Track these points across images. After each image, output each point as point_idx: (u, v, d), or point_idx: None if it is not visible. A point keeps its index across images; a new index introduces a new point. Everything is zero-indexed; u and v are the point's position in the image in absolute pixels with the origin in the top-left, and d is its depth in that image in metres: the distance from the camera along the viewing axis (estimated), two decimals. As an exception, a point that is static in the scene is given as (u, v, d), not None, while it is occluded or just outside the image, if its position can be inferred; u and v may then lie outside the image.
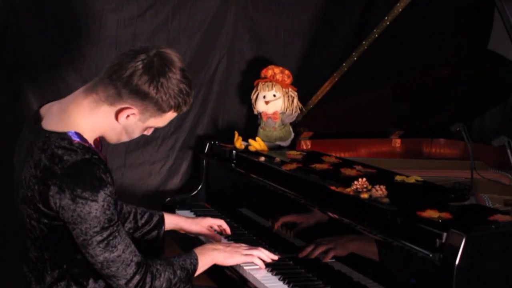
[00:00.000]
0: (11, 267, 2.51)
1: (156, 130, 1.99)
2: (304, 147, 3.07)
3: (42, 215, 1.78)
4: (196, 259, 2.01)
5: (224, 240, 2.43)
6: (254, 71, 3.16)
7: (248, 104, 3.19)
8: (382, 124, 3.29)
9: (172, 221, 2.35)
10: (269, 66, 3.01)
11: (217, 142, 3.05)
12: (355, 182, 2.08)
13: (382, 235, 1.86)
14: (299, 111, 3.00)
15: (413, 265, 1.77)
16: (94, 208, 1.72)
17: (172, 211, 2.80)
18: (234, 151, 2.87)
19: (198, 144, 3.29)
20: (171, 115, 1.86)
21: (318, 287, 2.08)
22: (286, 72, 2.99)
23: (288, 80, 2.98)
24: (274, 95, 2.96)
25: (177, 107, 1.83)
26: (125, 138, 1.91)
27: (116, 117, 1.82)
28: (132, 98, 1.78)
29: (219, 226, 2.43)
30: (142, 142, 3.17)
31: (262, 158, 2.69)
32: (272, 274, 2.13)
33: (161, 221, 2.29)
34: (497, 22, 2.81)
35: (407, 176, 2.26)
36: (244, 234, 2.56)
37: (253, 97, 3.04)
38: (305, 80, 3.22)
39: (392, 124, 3.30)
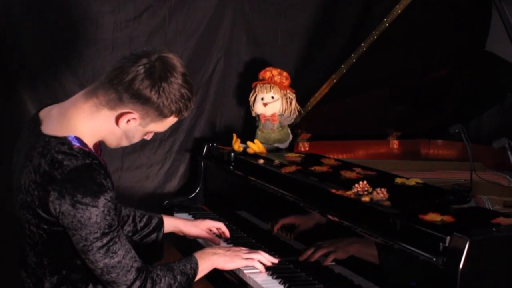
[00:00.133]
0: (11, 272, 2.49)
1: (154, 133, 1.98)
2: (302, 149, 3.05)
3: (42, 220, 1.76)
4: (196, 264, 2.00)
5: (223, 243, 2.42)
6: (252, 73, 3.15)
7: (246, 106, 3.18)
8: (380, 126, 3.28)
9: (171, 224, 2.35)
10: (267, 68, 3.00)
11: (215, 144, 3.03)
12: (356, 185, 2.07)
13: (384, 239, 1.85)
14: (297, 113, 2.99)
15: (415, 269, 1.76)
16: (95, 214, 1.71)
17: (170, 214, 2.79)
18: (232, 154, 2.85)
19: (196, 146, 3.27)
20: (172, 120, 1.85)
21: (319, 291, 2.08)
22: (284, 74, 2.98)
23: (286, 82, 2.97)
24: (272, 97, 2.95)
25: (178, 112, 1.82)
26: (125, 143, 1.89)
27: (117, 122, 1.80)
28: (133, 103, 1.76)
29: (218, 228, 2.43)
30: (139, 145, 3.15)
31: (261, 161, 2.68)
32: (272, 278, 2.12)
33: (160, 223, 2.29)
34: (496, 22, 2.80)
35: (407, 179, 2.25)
36: (243, 237, 2.55)
37: (251, 99, 3.02)
38: (303, 82, 3.20)
39: (390, 125, 3.30)
